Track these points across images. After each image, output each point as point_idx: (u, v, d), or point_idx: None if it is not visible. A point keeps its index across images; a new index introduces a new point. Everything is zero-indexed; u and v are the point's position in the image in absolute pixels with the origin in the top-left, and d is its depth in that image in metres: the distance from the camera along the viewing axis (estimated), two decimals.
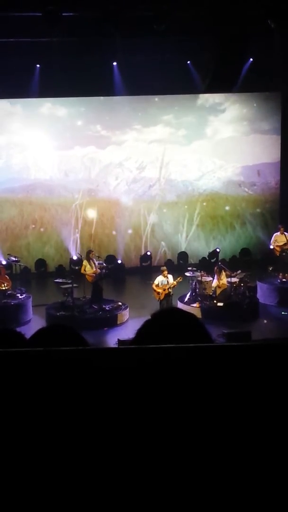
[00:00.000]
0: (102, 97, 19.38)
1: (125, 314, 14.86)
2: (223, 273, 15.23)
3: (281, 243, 16.89)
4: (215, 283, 15.16)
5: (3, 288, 15.22)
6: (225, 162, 20.23)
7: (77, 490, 1.35)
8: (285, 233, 16.94)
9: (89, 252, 15.52)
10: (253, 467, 1.37)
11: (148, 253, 19.79)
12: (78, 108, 19.33)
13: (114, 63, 18.21)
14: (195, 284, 15.25)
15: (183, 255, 19.86)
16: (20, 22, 15.07)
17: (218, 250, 19.34)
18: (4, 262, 17.23)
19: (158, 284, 14.17)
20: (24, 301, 15.13)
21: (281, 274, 16.54)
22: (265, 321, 14.69)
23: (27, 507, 1.35)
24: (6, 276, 15.65)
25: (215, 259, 18.63)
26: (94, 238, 19.62)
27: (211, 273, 15.51)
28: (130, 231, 19.88)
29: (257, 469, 1.37)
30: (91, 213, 19.66)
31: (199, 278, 15.24)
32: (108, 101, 19.49)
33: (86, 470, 1.35)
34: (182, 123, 19.81)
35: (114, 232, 19.81)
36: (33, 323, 14.38)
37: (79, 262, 17.00)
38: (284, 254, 16.81)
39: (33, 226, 19.39)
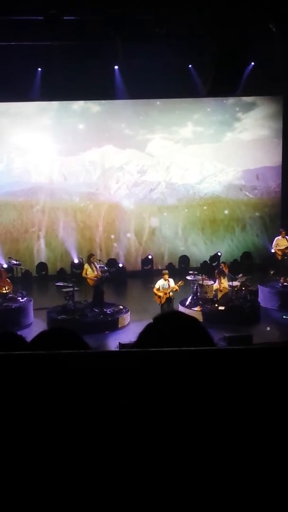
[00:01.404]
0: (103, 101, 19.40)
1: (126, 318, 14.85)
2: (224, 276, 15.22)
3: (283, 247, 16.88)
4: (215, 286, 15.15)
5: (4, 291, 15.24)
6: (226, 165, 20.23)
7: (78, 492, 1.35)
8: (287, 237, 16.93)
9: (90, 255, 15.51)
10: (254, 469, 1.37)
11: (149, 257, 19.79)
12: (79, 111, 19.35)
13: (116, 67, 18.21)
14: (197, 288, 15.25)
15: (184, 259, 19.85)
16: (22, 26, 15.10)
17: (219, 254, 19.34)
18: (5, 266, 17.24)
19: (159, 287, 14.13)
20: (25, 304, 15.14)
21: (282, 278, 16.51)
22: (268, 328, 14.64)
23: (31, 509, 1.35)
24: (7, 279, 15.68)
25: (216, 263, 18.61)
26: (95, 242, 19.63)
27: (212, 276, 15.51)
28: (131, 235, 19.88)
29: (258, 471, 1.37)
30: (92, 217, 19.67)
31: (200, 282, 15.23)
32: (109, 105, 19.50)
33: (88, 472, 1.35)
34: (183, 126, 19.82)
35: (115, 236, 19.82)
36: (34, 327, 14.38)
37: (80, 265, 16.99)
38: (285, 258, 16.79)
39: (33, 229, 19.40)
